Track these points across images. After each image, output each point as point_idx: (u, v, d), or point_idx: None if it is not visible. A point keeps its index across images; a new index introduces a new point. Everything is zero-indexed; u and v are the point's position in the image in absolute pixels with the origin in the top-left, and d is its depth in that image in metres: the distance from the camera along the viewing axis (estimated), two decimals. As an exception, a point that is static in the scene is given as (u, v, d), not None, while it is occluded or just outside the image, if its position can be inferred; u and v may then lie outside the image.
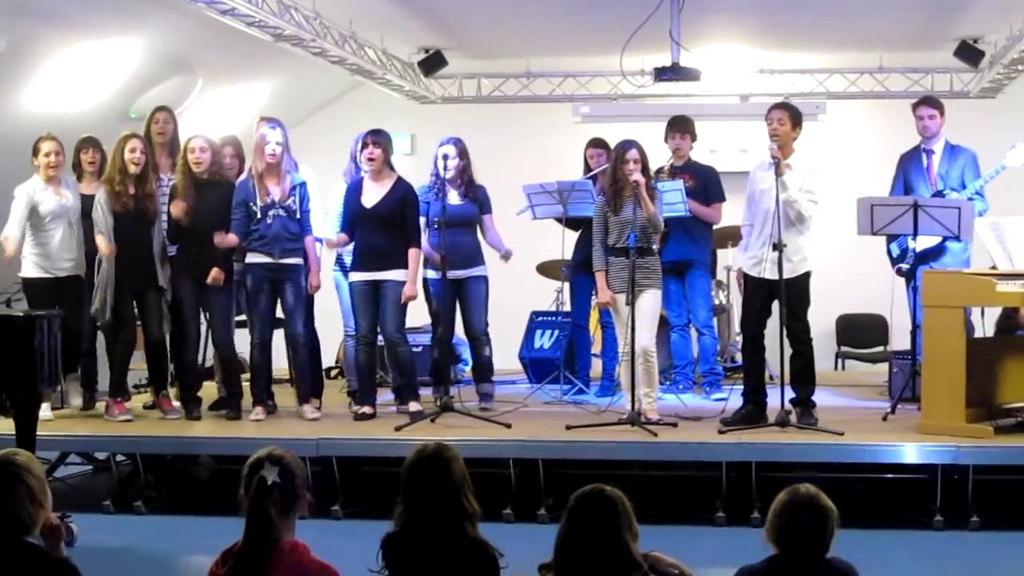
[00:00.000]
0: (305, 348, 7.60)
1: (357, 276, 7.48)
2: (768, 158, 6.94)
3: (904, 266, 7.89)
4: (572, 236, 8.57)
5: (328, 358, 8.98)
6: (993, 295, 6.63)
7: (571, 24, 10.30)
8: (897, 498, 6.76)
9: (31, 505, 3.43)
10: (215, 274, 7.40)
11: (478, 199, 7.88)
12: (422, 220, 7.61)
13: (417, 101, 11.87)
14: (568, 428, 7.01)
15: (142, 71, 9.45)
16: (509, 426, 7.07)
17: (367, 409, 7.51)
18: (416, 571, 3.55)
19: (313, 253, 7.56)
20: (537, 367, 9.00)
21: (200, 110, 10.37)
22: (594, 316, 8.72)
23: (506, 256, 7.97)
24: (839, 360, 11.01)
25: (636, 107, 11.36)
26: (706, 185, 8.29)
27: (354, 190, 7.53)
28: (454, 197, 7.76)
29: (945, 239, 7.61)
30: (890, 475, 6.88)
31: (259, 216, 7.36)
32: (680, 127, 8.35)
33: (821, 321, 8.92)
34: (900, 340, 9.70)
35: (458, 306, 7.86)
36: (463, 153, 7.79)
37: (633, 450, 6.89)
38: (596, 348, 8.82)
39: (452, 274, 7.60)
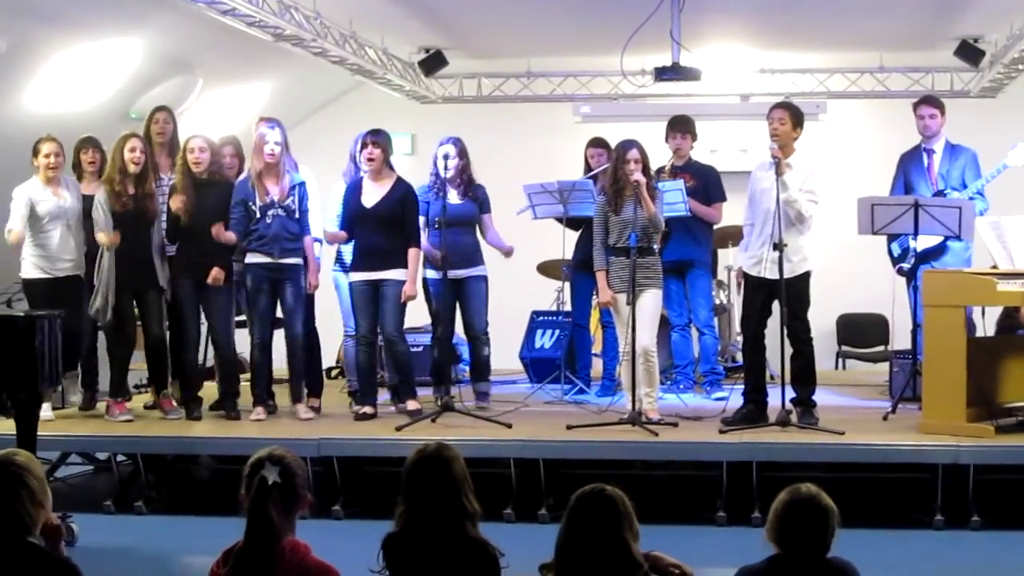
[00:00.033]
0: (303, 348, 7.61)
1: (357, 276, 7.49)
2: (769, 158, 6.95)
3: (905, 265, 7.89)
4: (573, 236, 8.57)
5: (328, 358, 8.98)
6: (994, 294, 6.63)
7: (572, 24, 10.29)
8: (898, 497, 6.76)
9: (31, 505, 3.43)
10: (215, 274, 7.40)
11: (478, 198, 7.89)
12: (422, 220, 7.63)
13: (418, 101, 11.87)
14: (569, 428, 7.01)
15: (143, 71, 9.45)
16: (510, 426, 7.07)
17: (368, 409, 7.51)
18: (417, 571, 3.55)
19: (311, 253, 7.56)
20: (538, 367, 9.01)
21: (201, 110, 10.37)
22: (595, 316, 8.72)
23: (508, 252, 7.98)
24: (840, 360, 11.00)
25: (637, 107, 11.35)
26: (707, 185, 8.30)
27: (354, 190, 7.54)
28: (453, 196, 7.77)
29: (946, 238, 7.62)
30: (891, 474, 6.87)
31: (258, 216, 7.36)
32: (681, 127, 8.36)
33: (822, 321, 8.93)
34: (901, 339, 9.69)
35: (458, 306, 7.87)
36: (463, 153, 7.80)
37: (634, 450, 6.88)
38: (597, 348, 8.82)
39: (452, 274, 7.61)
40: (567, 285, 9.13)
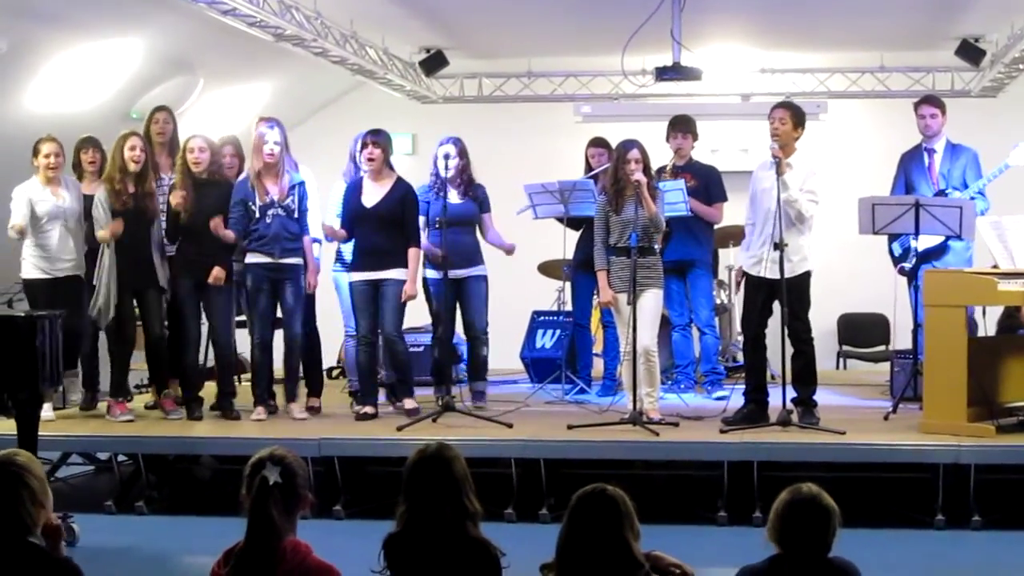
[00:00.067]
0: (302, 348, 7.60)
1: (357, 276, 7.49)
2: (770, 157, 6.94)
3: (906, 265, 7.89)
4: (573, 236, 8.56)
5: (329, 358, 8.98)
6: (995, 294, 6.63)
7: (572, 24, 10.29)
8: (899, 497, 6.76)
9: (32, 506, 3.43)
10: (217, 273, 7.39)
11: (478, 198, 7.90)
12: (422, 219, 7.63)
13: (418, 101, 11.87)
14: (570, 428, 7.01)
15: (143, 71, 9.45)
16: (511, 426, 7.07)
17: (369, 409, 7.51)
18: (418, 571, 3.55)
19: (310, 254, 7.56)
20: (539, 367, 9.01)
21: (201, 110, 10.37)
22: (595, 316, 8.71)
23: (510, 250, 7.98)
24: (841, 359, 11.00)
25: (637, 107, 11.35)
26: (708, 184, 8.30)
27: (354, 190, 7.54)
28: (454, 196, 7.77)
29: (947, 238, 7.61)
30: (892, 474, 6.87)
31: (258, 216, 7.36)
32: (682, 127, 8.36)
33: (823, 320, 8.93)
34: (902, 339, 9.68)
35: (458, 306, 7.87)
36: (463, 152, 7.80)
37: (635, 450, 6.88)
38: (598, 348, 8.81)
39: (452, 273, 7.61)
40: (568, 285, 9.12)
